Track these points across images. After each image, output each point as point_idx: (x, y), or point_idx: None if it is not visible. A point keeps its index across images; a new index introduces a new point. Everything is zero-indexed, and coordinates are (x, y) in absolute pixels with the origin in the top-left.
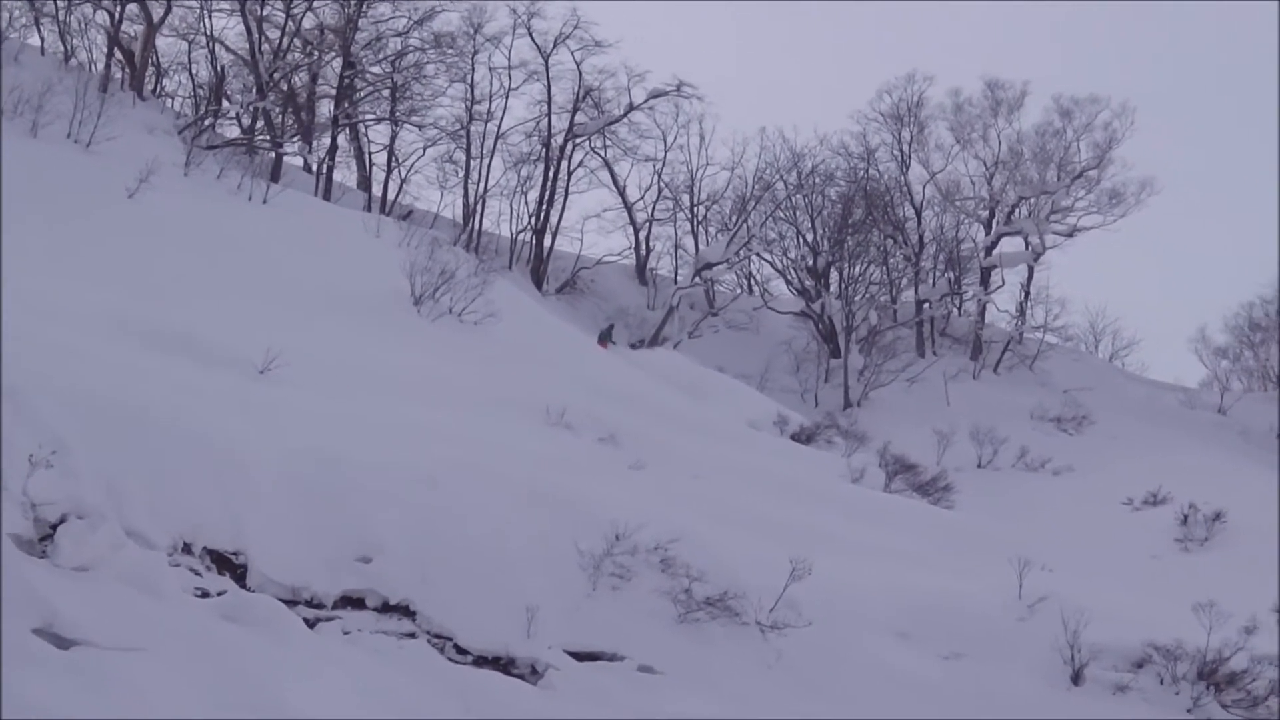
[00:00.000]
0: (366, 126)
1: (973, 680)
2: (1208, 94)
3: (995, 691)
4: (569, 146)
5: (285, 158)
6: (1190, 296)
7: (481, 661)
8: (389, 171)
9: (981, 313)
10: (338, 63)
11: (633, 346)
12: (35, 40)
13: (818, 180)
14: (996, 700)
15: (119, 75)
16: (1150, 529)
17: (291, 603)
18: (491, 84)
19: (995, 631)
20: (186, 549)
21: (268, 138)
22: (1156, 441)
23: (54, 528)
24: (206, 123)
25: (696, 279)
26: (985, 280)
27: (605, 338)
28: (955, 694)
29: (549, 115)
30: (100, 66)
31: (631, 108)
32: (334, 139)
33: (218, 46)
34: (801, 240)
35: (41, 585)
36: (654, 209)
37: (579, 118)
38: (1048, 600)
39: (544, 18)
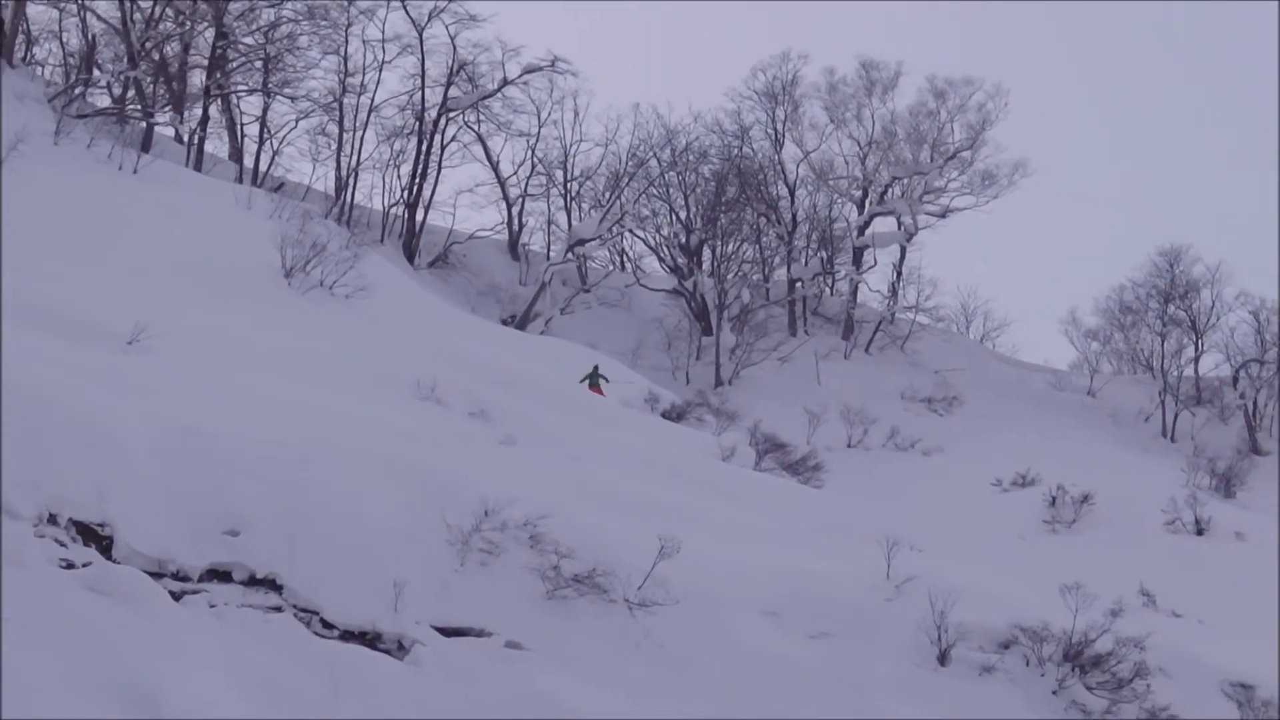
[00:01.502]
0: (239, 98)
1: (840, 660)
2: (1081, 77)
3: (862, 671)
4: (442, 121)
5: (156, 128)
6: (1062, 279)
7: (348, 636)
8: (261, 143)
9: (854, 292)
10: (210, 33)
11: (504, 323)
12: None
13: (691, 158)
14: (863, 680)
15: None
16: (1019, 510)
17: (157, 575)
18: (365, 57)
19: (863, 611)
20: (52, 520)
21: (139, 107)
22: (1026, 423)
23: None
24: (77, 91)
25: (569, 255)
26: (858, 260)
27: (594, 381)
28: (822, 673)
29: (422, 89)
30: None
31: (506, 82)
32: (206, 110)
33: (89, 15)
34: (675, 217)
35: None
36: (527, 184)
37: (453, 92)
38: (915, 580)
39: None
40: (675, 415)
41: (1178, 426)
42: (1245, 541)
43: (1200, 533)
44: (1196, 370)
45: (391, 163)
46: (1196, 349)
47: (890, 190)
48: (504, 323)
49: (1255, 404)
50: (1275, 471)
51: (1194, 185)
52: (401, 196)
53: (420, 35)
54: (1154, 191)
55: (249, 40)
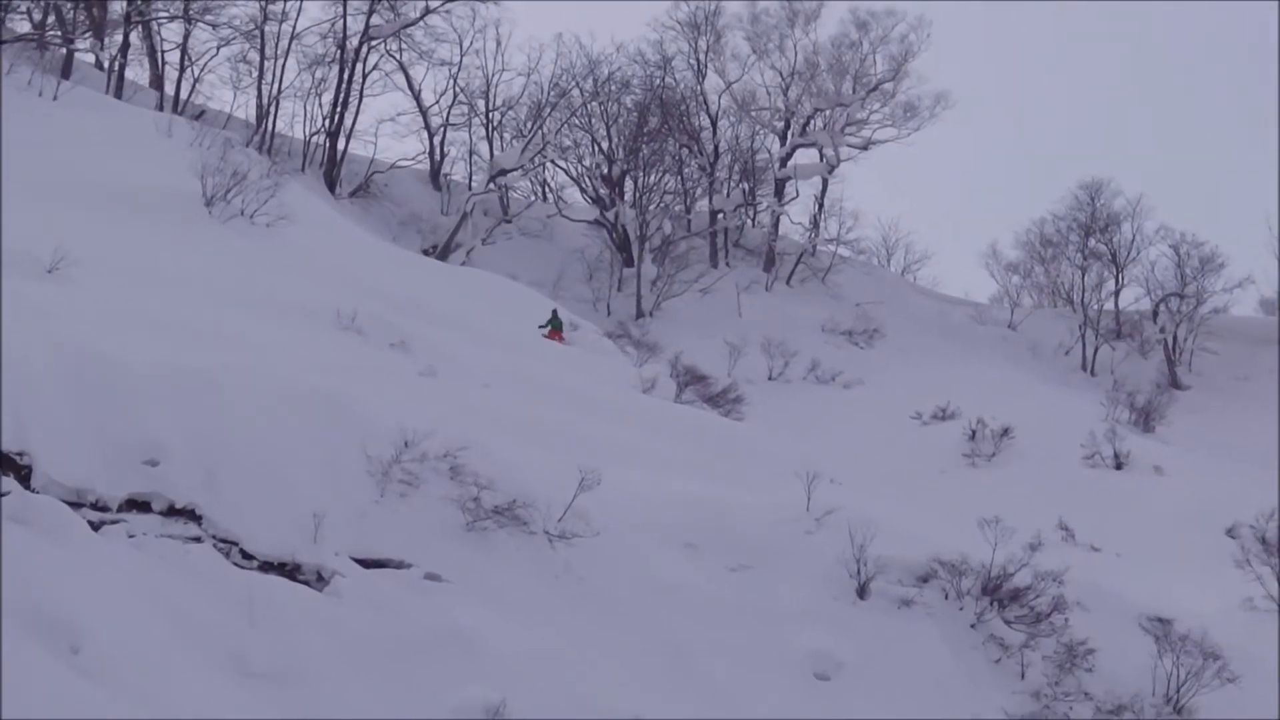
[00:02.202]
0: (160, 24)
1: (759, 592)
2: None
3: (781, 604)
4: (364, 49)
5: (76, 55)
6: (983, 212)
7: (267, 567)
8: (182, 71)
9: (775, 224)
10: None
11: (425, 253)
12: None
13: (614, 88)
14: (782, 612)
15: None
16: (939, 443)
17: (76, 505)
18: None
19: (782, 544)
20: None
21: (59, 34)
22: (947, 356)
23: None
24: None
25: (491, 185)
26: (779, 192)
27: (556, 326)
28: (741, 605)
29: (344, 17)
30: None
31: (428, 11)
32: (126, 36)
33: None
34: (597, 148)
35: None
36: (449, 114)
37: (375, 20)
38: (835, 514)
39: None
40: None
41: (1098, 360)
42: (1164, 476)
43: (1119, 467)
44: (1117, 304)
45: (313, 91)
46: (1117, 283)
47: (812, 122)
48: (425, 253)
49: (1175, 338)
50: (1194, 406)
51: (1114, 118)
52: (323, 125)
53: None
54: (1075, 124)
55: None
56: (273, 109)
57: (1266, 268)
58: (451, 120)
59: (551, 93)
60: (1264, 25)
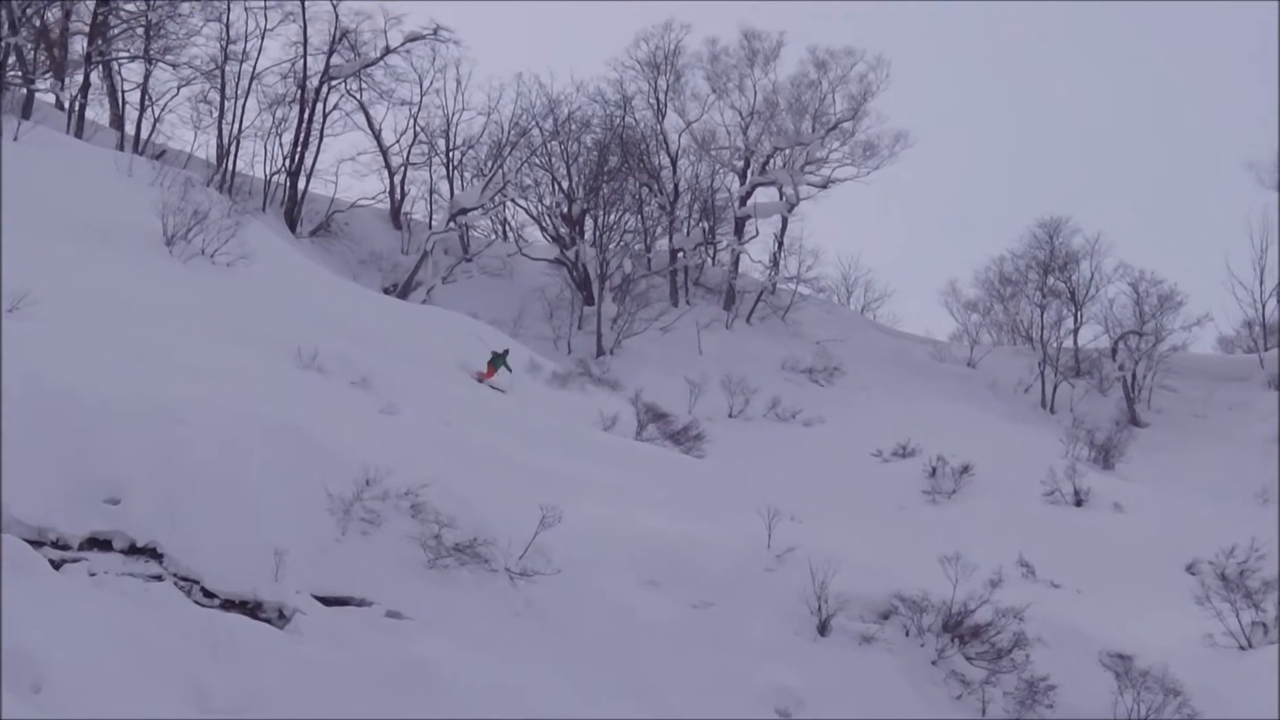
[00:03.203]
0: (120, 64)
1: (720, 629)
2: (963, 48)
3: (742, 640)
4: (324, 89)
5: (37, 95)
6: (942, 250)
7: (229, 605)
8: (142, 110)
9: (735, 263)
10: None
11: (386, 291)
12: None
13: (574, 127)
14: (743, 649)
15: None
16: (899, 480)
17: (37, 544)
18: (247, 24)
19: (743, 580)
20: None
21: (19, 74)
22: (907, 393)
23: None
24: None
25: (451, 224)
26: (739, 230)
27: (497, 363)
28: (702, 642)
29: (304, 57)
30: None
31: (388, 50)
32: (87, 76)
33: None
34: (557, 187)
35: None
36: (409, 153)
37: (335, 60)
38: (796, 550)
39: None
40: (558, 384)
41: (1057, 397)
42: (1124, 512)
43: (1079, 503)
44: (1076, 341)
45: (273, 131)
46: (1076, 320)
47: (772, 161)
48: (386, 291)
49: (1134, 376)
50: (1154, 443)
51: (1073, 156)
52: (283, 165)
53: (302, 2)
54: (1034, 164)
55: (130, 6)
56: (233, 148)
57: (1225, 305)
58: (412, 159)
59: (512, 132)
60: (1220, 65)
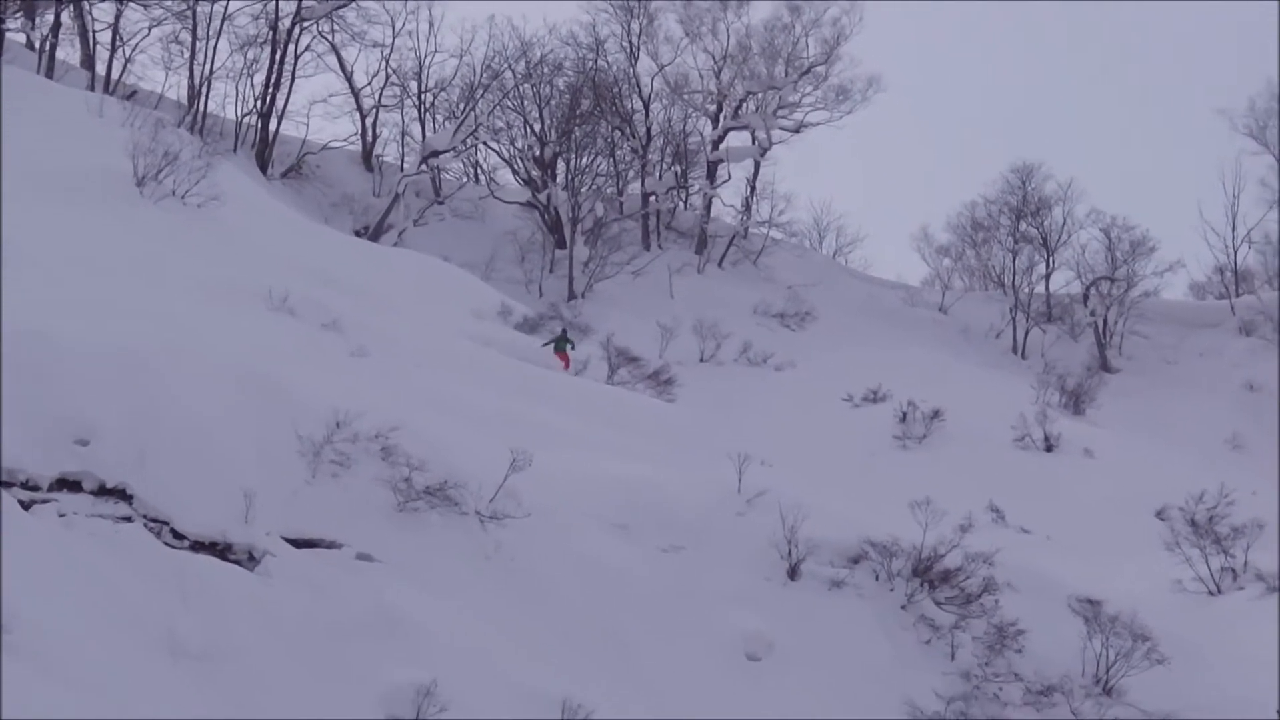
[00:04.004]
0: (91, 4)
1: (689, 573)
2: None
3: (712, 585)
4: (296, 30)
5: (7, 35)
6: (914, 195)
7: (199, 546)
8: (113, 51)
9: (707, 207)
10: None
11: (357, 234)
12: None
13: (546, 70)
14: (713, 593)
15: None
16: (869, 426)
17: (7, 484)
18: None
19: (713, 525)
20: None
21: None
22: (878, 339)
23: None
24: None
25: (423, 167)
26: (712, 174)
27: (560, 347)
28: (672, 586)
29: None
30: None
31: None
32: (57, 16)
33: None
34: (529, 130)
35: None
36: (381, 95)
37: (307, 1)
38: (766, 495)
39: None
40: (529, 328)
41: (1028, 343)
42: (1094, 458)
43: (1049, 449)
44: (1047, 287)
45: (245, 72)
46: (1048, 266)
47: (745, 105)
48: (357, 234)
49: (1105, 322)
50: (1124, 389)
51: (1047, 103)
52: (255, 106)
53: None
54: (1007, 109)
55: None
56: (204, 90)
57: (1197, 251)
58: (383, 102)
59: (484, 74)
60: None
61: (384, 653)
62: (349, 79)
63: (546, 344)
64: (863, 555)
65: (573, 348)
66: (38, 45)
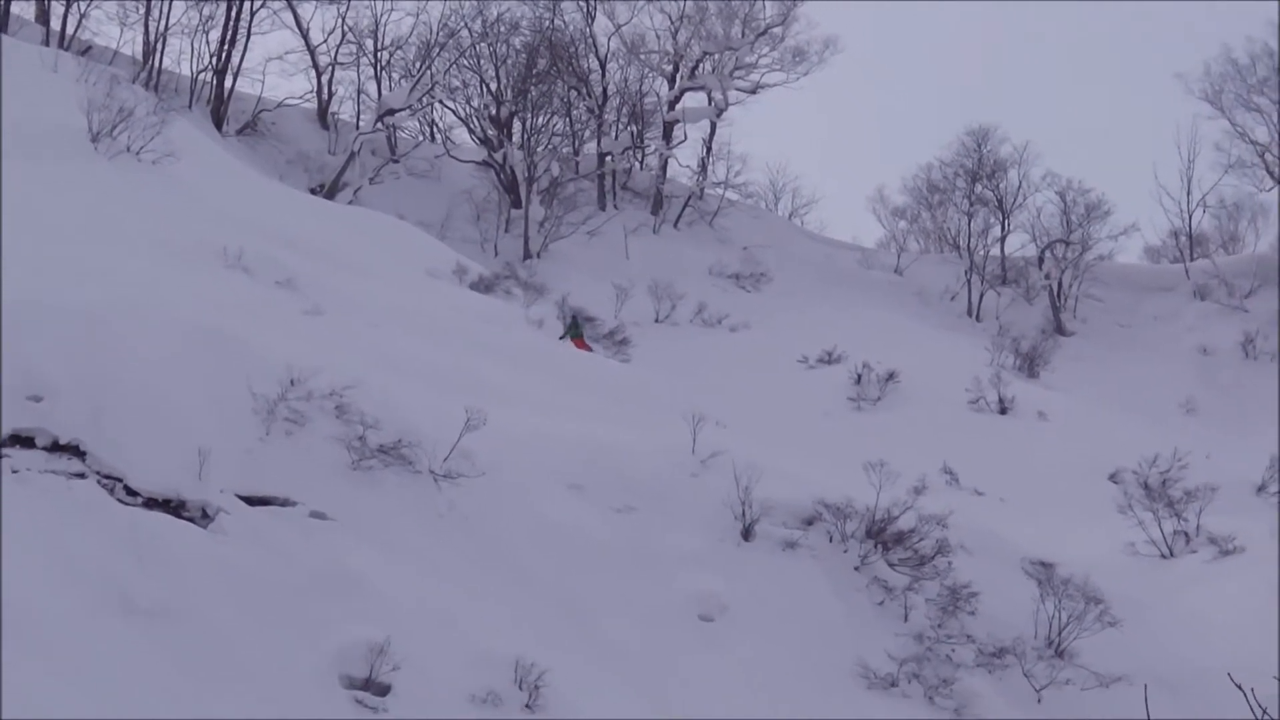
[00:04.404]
0: None
1: (643, 534)
2: None
3: (666, 545)
4: None
5: None
6: (870, 157)
7: (152, 503)
8: (68, 6)
9: (663, 167)
10: None
11: (312, 192)
12: None
13: (502, 29)
14: (667, 554)
15: None
16: (824, 387)
17: None
18: None
19: (667, 486)
20: None
21: None
22: (833, 300)
23: None
24: None
25: (379, 125)
26: (668, 135)
27: (575, 333)
28: (625, 547)
29: None
30: None
31: None
32: None
33: None
34: (485, 89)
35: None
36: (337, 53)
37: None
38: (720, 456)
39: None
40: (484, 287)
41: (983, 306)
42: (1048, 421)
43: (1004, 412)
44: (1003, 250)
45: (200, 28)
46: (1003, 229)
47: (701, 65)
48: (312, 192)
49: (1060, 285)
50: (1079, 352)
51: (1003, 66)
52: (210, 62)
53: None
54: (963, 71)
55: None
56: (160, 46)
57: (1152, 215)
58: (339, 59)
59: (440, 33)
60: None
61: (337, 611)
62: (305, 36)
63: (562, 337)
64: (817, 516)
65: (581, 329)
66: None
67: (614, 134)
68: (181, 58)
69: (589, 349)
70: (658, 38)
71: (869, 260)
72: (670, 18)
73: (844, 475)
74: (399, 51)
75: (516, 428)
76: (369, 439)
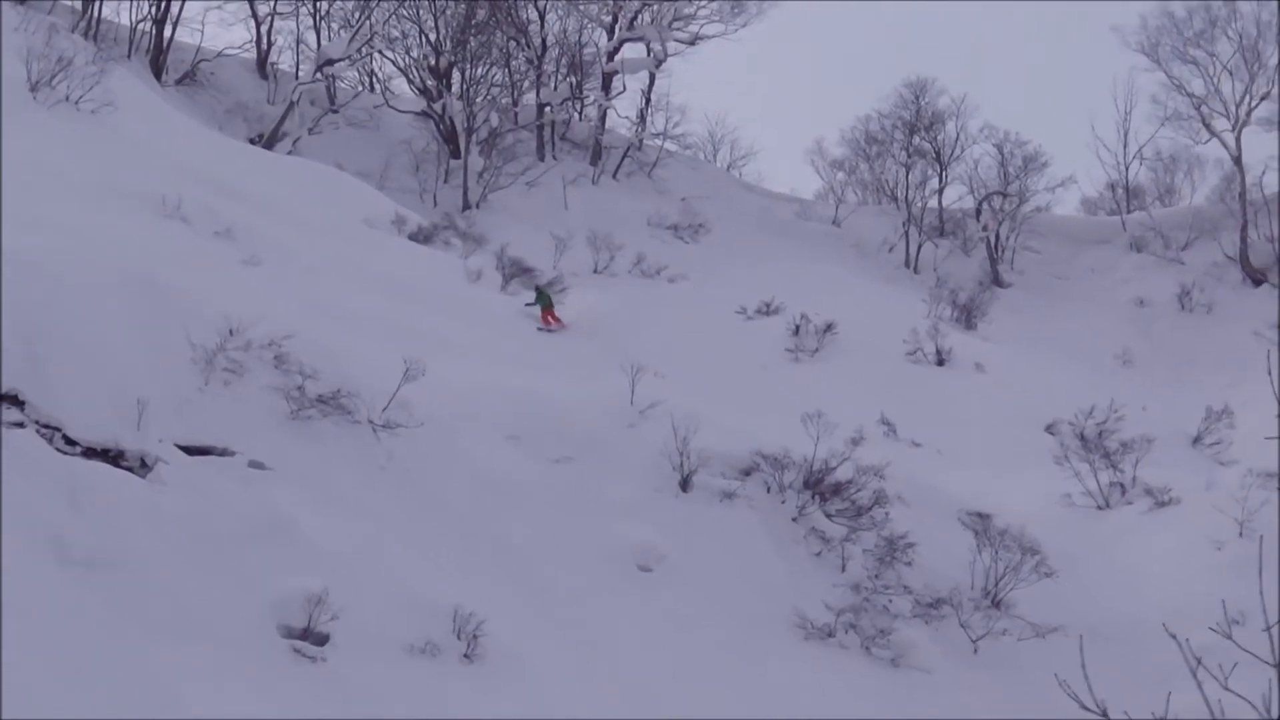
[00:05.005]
0: None
1: (581, 484)
2: None
3: (603, 496)
4: None
5: None
6: (808, 109)
7: (91, 453)
8: None
9: (602, 118)
10: None
11: (251, 142)
12: None
13: None
14: (605, 504)
15: None
16: (762, 339)
17: None
18: None
19: (606, 437)
20: None
21: None
22: (772, 252)
23: None
24: None
25: (318, 75)
26: (607, 86)
27: (544, 303)
28: (563, 497)
29: None
30: None
31: None
32: None
33: None
34: (424, 39)
35: None
36: (276, 3)
37: None
38: (658, 407)
39: None
40: (423, 238)
41: (921, 258)
42: (985, 373)
43: (941, 363)
44: (940, 202)
45: None
46: (940, 181)
47: (640, 17)
48: (251, 142)
49: (998, 237)
50: (1016, 304)
51: (941, 18)
52: (149, 12)
53: None
54: (901, 23)
55: None
56: None
57: (1089, 167)
58: (279, 9)
59: None
60: None
61: (276, 560)
62: None
63: (530, 304)
64: (754, 467)
65: (551, 300)
66: None
67: (553, 85)
68: (121, 7)
69: (560, 323)
70: None
71: (807, 212)
72: None
73: (782, 426)
74: (338, 1)
75: (455, 378)
76: (308, 389)
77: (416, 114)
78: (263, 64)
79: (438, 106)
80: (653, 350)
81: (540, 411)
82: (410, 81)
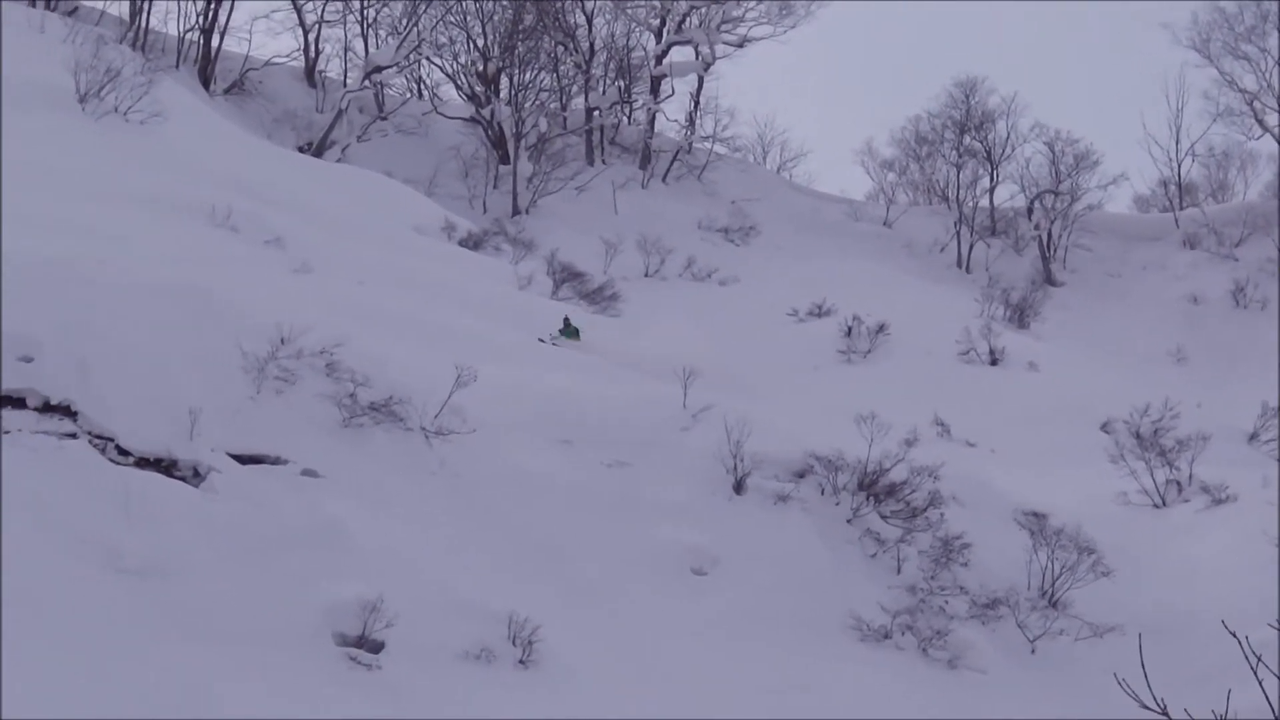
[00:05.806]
0: None
1: (634, 489)
2: None
3: (657, 500)
4: None
5: None
6: (858, 110)
7: (143, 463)
8: None
9: (651, 122)
10: None
11: (300, 150)
12: None
13: None
14: (658, 509)
15: None
16: (814, 340)
17: None
18: None
19: (658, 440)
20: None
21: None
22: (822, 253)
23: None
24: None
25: (366, 82)
26: (655, 89)
27: (570, 335)
28: (616, 502)
29: None
30: None
31: None
32: None
33: None
34: (472, 45)
35: None
36: (324, 10)
37: None
38: (711, 410)
39: None
40: (472, 244)
41: (973, 257)
42: (1038, 372)
43: (994, 363)
44: (991, 201)
45: None
46: (991, 180)
47: (688, 19)
48: (300, 150)
49: (1049, 235)
50: (1068, 302)
51: (991, 16)
52: (197, 22)
53: None
54: (951, 22)
55: None
56: (146, 5)
57: (1140, 164)
58: (326, 17)
59: None
60: None
61: (329, 568)
62: None
63: (556, 341)
64: (808, 469)
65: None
66: None
67: (601, 89)
68: (168, 17)
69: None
70: None
71: (857, 213)
72: None
73: (835, 428)
74: (385, 8)
75: (506, 384)
76: (360, 396)
77: (465, 120)
78: (311, 72)
79: (486, 112)
80: (705, 354)
81: (592, 416)
82: (458, 88)
